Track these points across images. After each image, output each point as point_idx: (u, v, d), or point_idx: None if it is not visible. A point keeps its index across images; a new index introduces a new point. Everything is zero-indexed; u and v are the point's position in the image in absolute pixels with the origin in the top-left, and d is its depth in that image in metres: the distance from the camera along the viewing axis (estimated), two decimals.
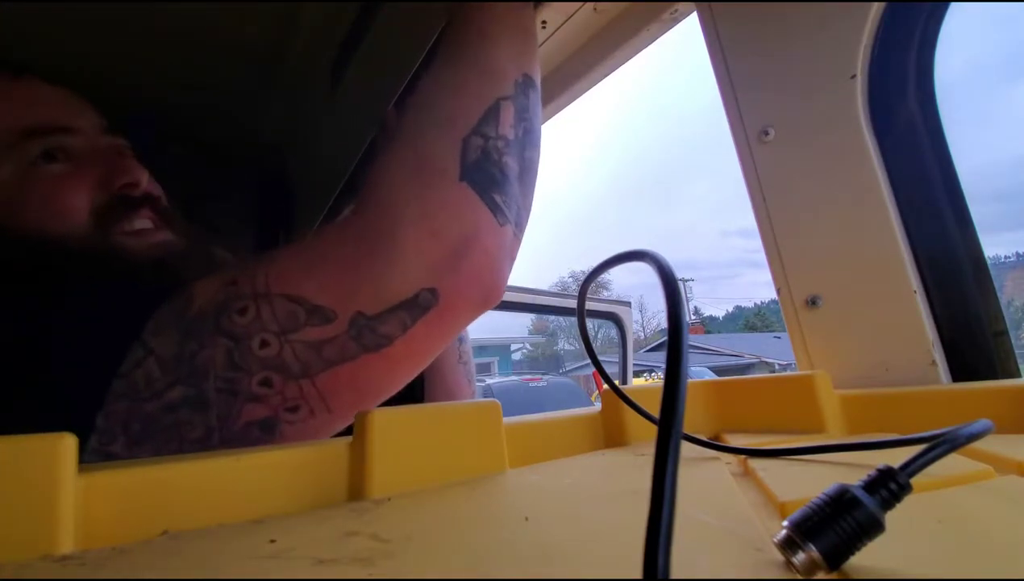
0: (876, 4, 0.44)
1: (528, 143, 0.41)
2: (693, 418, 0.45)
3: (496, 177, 0.38)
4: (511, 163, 0.39)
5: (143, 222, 0.49)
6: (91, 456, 0.32)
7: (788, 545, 0.16)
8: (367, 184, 0.39)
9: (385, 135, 0.62)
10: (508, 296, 1.47)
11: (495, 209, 0.37)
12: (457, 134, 0.38)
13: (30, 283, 0.41)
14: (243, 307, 0.35)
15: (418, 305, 0.35)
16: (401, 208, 0.36)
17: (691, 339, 0.17)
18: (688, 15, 0.57)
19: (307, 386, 0.35)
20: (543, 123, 0.77)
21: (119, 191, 0.48)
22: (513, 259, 0.40)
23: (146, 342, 0.34)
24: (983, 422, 0.23)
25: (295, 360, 0.34)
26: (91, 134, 0.50)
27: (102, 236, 0.46)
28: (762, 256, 0.52)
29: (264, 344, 0.34)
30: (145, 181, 0.51)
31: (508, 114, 0.40)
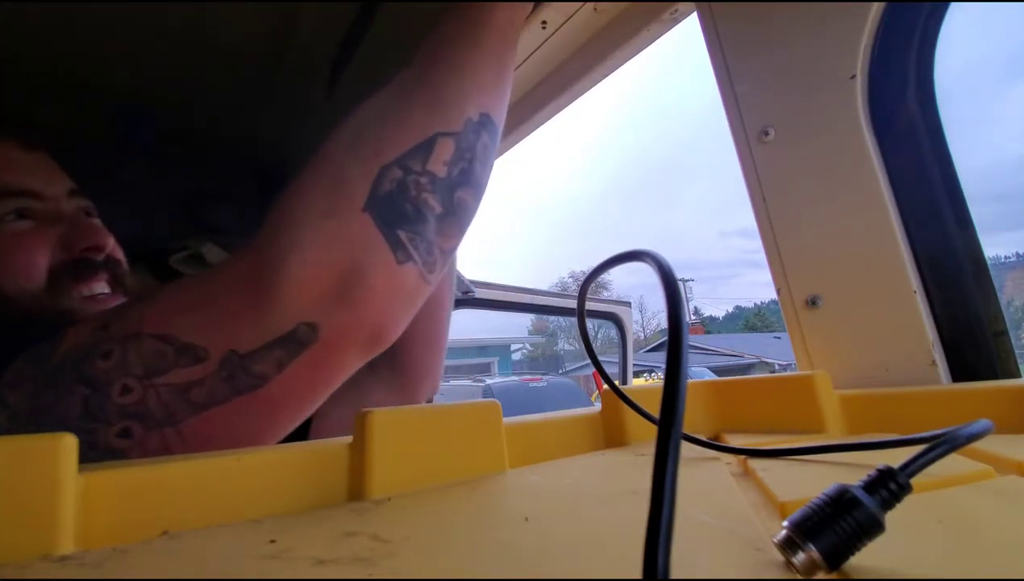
0: (876, 4, 0.44)
1: (463, 183, 0.38)
2: (693, 418, 0.45)
3: (407, 213, 0.35)
4: (432, 202, 0.36)
5: (100, 287, 0.48)
6: None
7: (788, 545, 0.16)
8: (272, 209, 0.36)
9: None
10: (508, 296, 1.47)
11: (396, 246, 0.34)
12: (377, 162, 0.35)
13: None
14: (108, 351, 0.32)
15: (295, 341, 0.32)
16: (292, 235, 0.34)
17: (691, 339, 0.17)
18: (688, 15, 0.57)
19: (171, 435, 0.32)
20: (538, 126, 0.77)
21: (81, 254, 0.48)
22: (414, 299, 0.37)
23: (3, 397, 0.32)
24: (983, 422, 0.23)
25: (159, 406, 0.31)
26: (58, 198, 0.50)
27: (53, 298, 0.46)
28: (762, 256, 0.52)
29: (125, 390, 0.31)
30: (110, 246, 0.50)
31: (444, 151, 0.37)
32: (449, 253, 0.39)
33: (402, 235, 0.35)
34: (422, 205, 0.36)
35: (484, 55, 0.41)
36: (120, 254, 0.52)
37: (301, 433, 0.56)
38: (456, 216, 0.38)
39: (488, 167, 0.41)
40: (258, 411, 0.33)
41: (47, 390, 0.32)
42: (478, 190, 0.40)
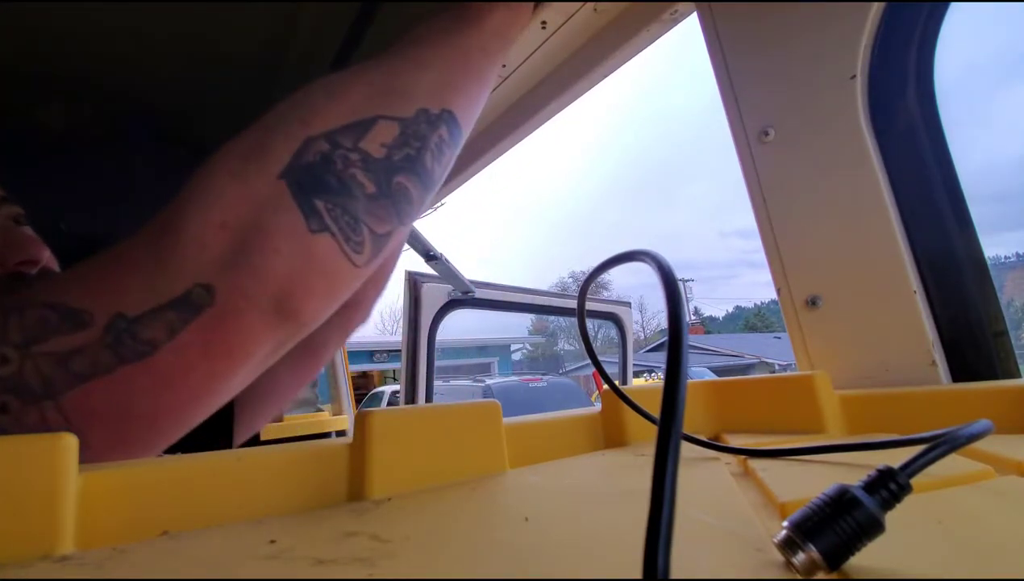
0: (876, 4, 0.44)
1: (405, 169, 0.37)
2: (693, 418, 0.45)
3: (329, 185, 0.34)
4: (362, 179, 0.35)
5: None
6: None
7: (788, 545, 0.16)
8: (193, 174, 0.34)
9: None
10: (508, 296, 1.47)
11: (310, 213, 0.33)
12: (303, 132, 0.34)
13: None
14: None
15: (189, 304, 0.30)
16: (197, 194, 0.32)
17: (691, 339, 0.17)
18: (688, 15, 0.57)
19: (50, 410, 0.29)
20: (538, 127, 0.77)
21: (14, 268, 0.46)
22: (333, 275, 0.35)
23: None
24: (983, 422, 0.23)
25: (37, 377, 0.29)
26: None
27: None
28: (761, 256, 0.52)
29: (3, 361, 0.29)
30: (44, 258, 0.48)
31: (385, 133, 0.36)
32: (383, 238, 0.37)
33: (319, 204, 0.33)
34: (348, 180, 0.34)
35: (458, 55, 0.41)
36: (56, 265, 0.50)
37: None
38: (392, 200, 0.36)
39: (440, 162, 0.40)
40: (148, 384, 0.30)
41: None
42: (425, 181, 0.39)
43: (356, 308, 0.63)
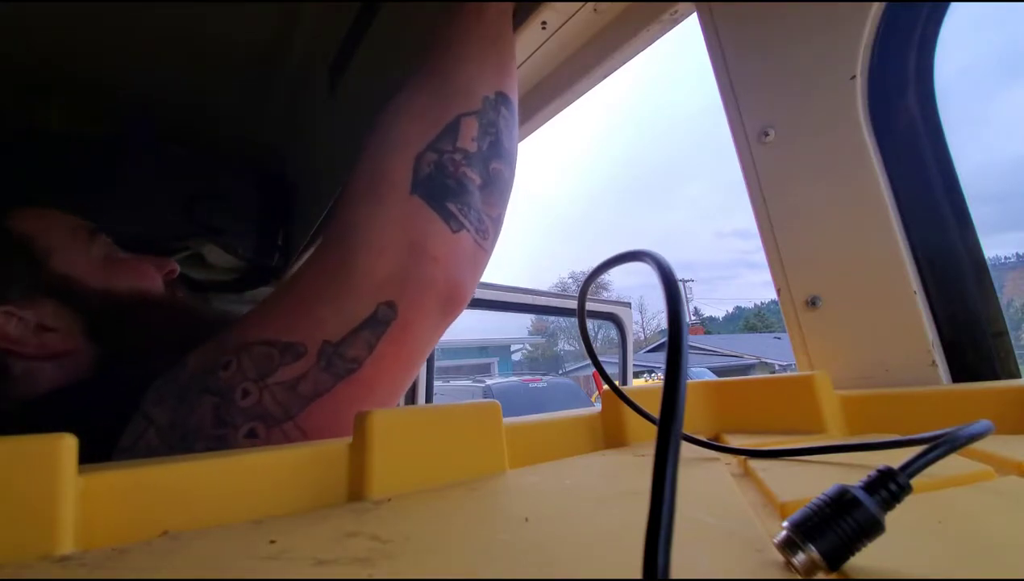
0: (876, 4, 0.44)
1: (495, 155, 0.42)
2: (693, 419, 0.45)
3: (451, 187, 0.38)
4: (471, 174, 0.40)
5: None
6: None
7: (788, 546, 0.16)
8: (332, 213, 0.41)
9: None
10: (508, 297, 1.47)
11: (448, 217, 0.38)
12: (411, 153, 0.39)
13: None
14: (227, 362, 0.36)
15: (379, 321, 0.36)
16: (354, 230, 0.37)
17: (691, 339, 0.17)
18: (688, 16, 0.57)
19: (290, 429, 0.35)
20: (538, 127, 0.78)
21: (166, 278, 0.55)
22: (476, 262, 0.40)
23: (147, 413, 0.35)
24: (983, 423, 0.23)
25: (275, 404, 0.34)
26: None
27: (171, 300, 0.52)
28: (759, 257, 0.52)
29: (245, 394, 0.34)
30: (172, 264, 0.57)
31: (470, 128, 0.40)
32: (497, 220, 0.42)
33: (452, 207, 0.38)
34: (463, 178, 0.39)
35: (484, 43, 0.44)
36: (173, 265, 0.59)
37: None
38: (496, 185, 0.42)
39: (513, 138, 0.45)
40: (358, 394, 0.36)
41: (183, 404, 0.35)
42: (510, 159, 0.44)
43: None
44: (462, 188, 0.39)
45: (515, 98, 0.46)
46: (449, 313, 0.39)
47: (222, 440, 0.34)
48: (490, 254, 0.42)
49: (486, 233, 0.41)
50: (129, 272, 0.51)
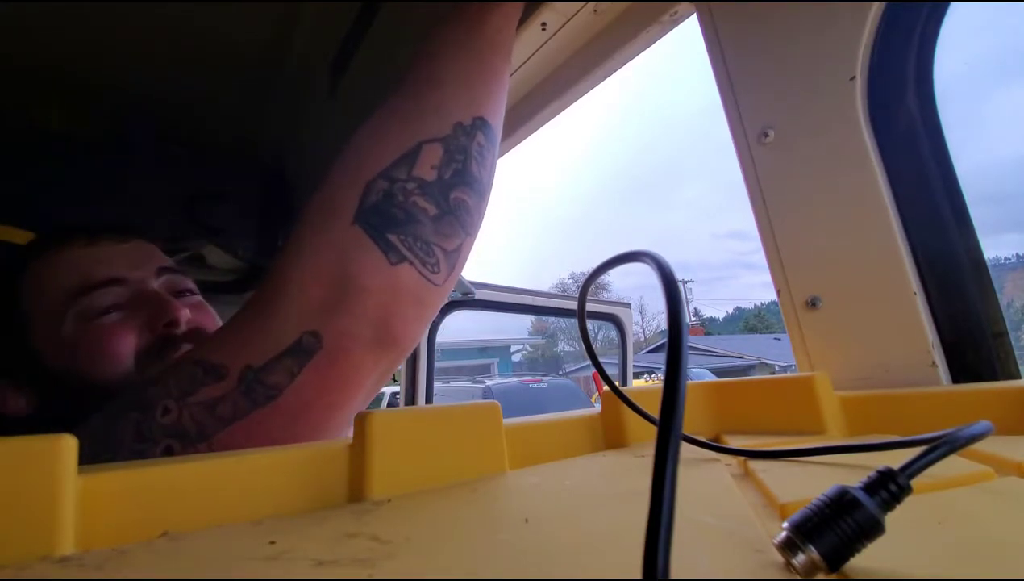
0: (876, 4, 0.44)
1: (459, 184, 0.40)
2: (693, 419, 0.45)
3: (396, 217, 0.37)
4: (424, 204, 0.38)
5: None
6: None
7: (788, 546, 0.16)
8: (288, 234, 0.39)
9: None
10: (508, 297, 1.47)
11: (387, 248, 0.36)
12: (362, 180, 0.37)
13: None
14: (159, 378, 0.36)
15: (302, 350, 0.35)
16: (295, 255, 0.37)
17: (691, 340, 0.17)
18: (688, 16, 0.57)
19: (203, 450, 0.34)
20: (538, 127, 0.78)
21: (163, 331, 0.50)
22: (420, 298, 0.38)
23: (89, 427, 0.35)
24: (983, 423, 0.23)
25: (192, 423, 0.34)
26: (144, 280, 0.52)
27: (141, 375, 0.48)
28: (757, 258, 0.53)
29: (166, 411, 0.34)
30: (184, 320, 0.52)
31: (431, 156, 0.39)
32: (454, 253, 0.40)
33: (393, 238, 0.36)
34: (412, 208, 0.37)
35: (471, 61, 0.42)
36: (207, 320, 0.55)
37: None
38: (454, 216, 0.39)
39: (487, 165, 0.42)
40: (278, 422, 0.35)
41: (109, 419, 0.35)
42: (478, 187, 0.41)
43: None
44: (410, 218, 0.37)
45: (497, 122, 0.43)
46: (386, 349, 0.37)
47: (141, 455, 0.33)
48: (444, 289, 0.39)
49: (435, 267, 0.38)
50: (97, 343, 0.48)
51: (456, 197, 0.39)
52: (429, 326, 0.39)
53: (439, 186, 0.38)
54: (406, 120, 0.40)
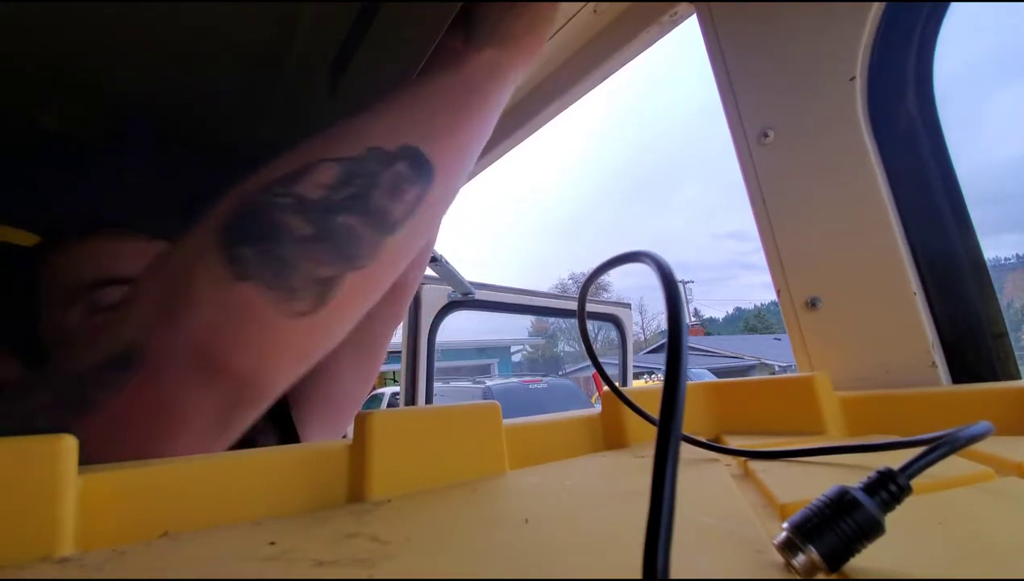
0: (876, 4, 0.44)
1: (349, 209, 0.35)
2: (693, 420, 0.45)
3: (256, 231, 0.32)
4: (296, 223, 0.33)
5: None
6: None
7: (788, 547, 0.16)
8: None
9: None
10: (507, 298, 1.47)
11: (234, 260, 0.31)
12: (244, 188, 0.34)
13: None
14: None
15: (127, 362, 0.30)
16: (162, 260, 0.34)
17: (691, 341, 0.17)
18: (688, 17, 0.57)
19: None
20: (538, 128, 0.77)
21: None
22: (268, 325, 0.32)
23: None
24: (983, 424, 0.23)
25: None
26: None
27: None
28: (756, 258, 0.53)
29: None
30: None
31: (323, 174, 0.34)
32: (329, 282, 0.33)
33: (245, 251, 0.31)
34: (279, 223, 0.33)
35: (433, 93, 0.40)
36: None
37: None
38: (332, 242, 0.34)
39: (404, 200, 0.37)
40: (90, 437, 0.28)
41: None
42: (379, 219, 0.36)
43: (404, 292, 0.67)
44: (273, 234, 0.32)
45: (437, 158, 0.38)
46: (213, 378, 0.31)
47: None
48: (314, 322, 0.33)
49: (293, 292, 0.32)
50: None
51: (344, 222, 0.34)
52: (287, 362, 0.33)
53: (323, 206, 0.34)
54: (325, 137, 0.37)
